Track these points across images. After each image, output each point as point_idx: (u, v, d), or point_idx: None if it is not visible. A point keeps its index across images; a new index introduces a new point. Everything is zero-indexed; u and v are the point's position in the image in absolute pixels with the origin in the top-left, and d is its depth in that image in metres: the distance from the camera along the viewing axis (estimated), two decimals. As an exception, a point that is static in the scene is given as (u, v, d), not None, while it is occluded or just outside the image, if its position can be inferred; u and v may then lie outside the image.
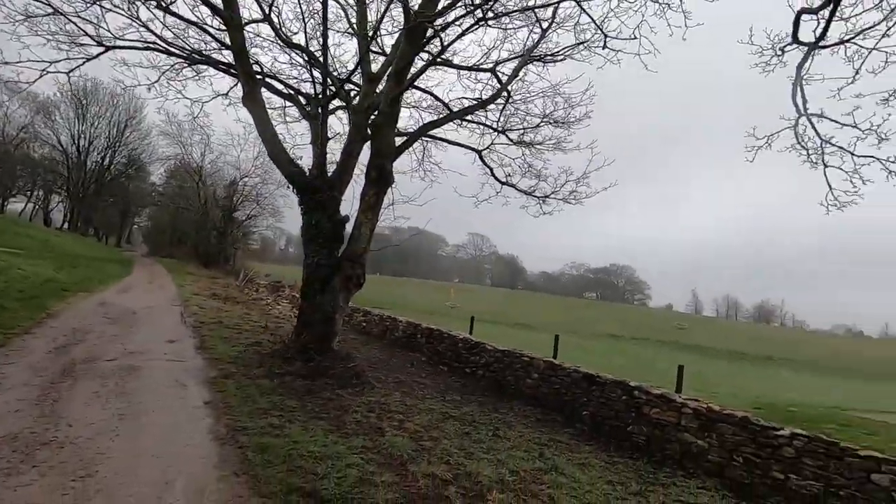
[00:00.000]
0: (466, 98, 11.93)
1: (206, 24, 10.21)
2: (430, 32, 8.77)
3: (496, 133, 11.74)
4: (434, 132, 11.77)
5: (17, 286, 13.17)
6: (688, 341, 33.04)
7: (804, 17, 6.36)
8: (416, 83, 11.01)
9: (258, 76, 10.50)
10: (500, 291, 74.87)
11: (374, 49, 11.75)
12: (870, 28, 6.31)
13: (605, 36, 8.74)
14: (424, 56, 10.47)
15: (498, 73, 11.06)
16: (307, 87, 11.77)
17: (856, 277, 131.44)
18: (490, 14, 8.31)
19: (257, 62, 11.31)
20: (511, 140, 11.80)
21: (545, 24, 9.91)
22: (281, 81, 11.71)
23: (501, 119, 11.54)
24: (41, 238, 32.91)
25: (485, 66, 11.21)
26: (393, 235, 31.62)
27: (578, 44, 9.89)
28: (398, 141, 10.51)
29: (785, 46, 6.88)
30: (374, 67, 10.84)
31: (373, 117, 10.00)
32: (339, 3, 11.37)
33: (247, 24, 10.19)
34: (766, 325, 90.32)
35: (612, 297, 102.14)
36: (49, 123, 51.99)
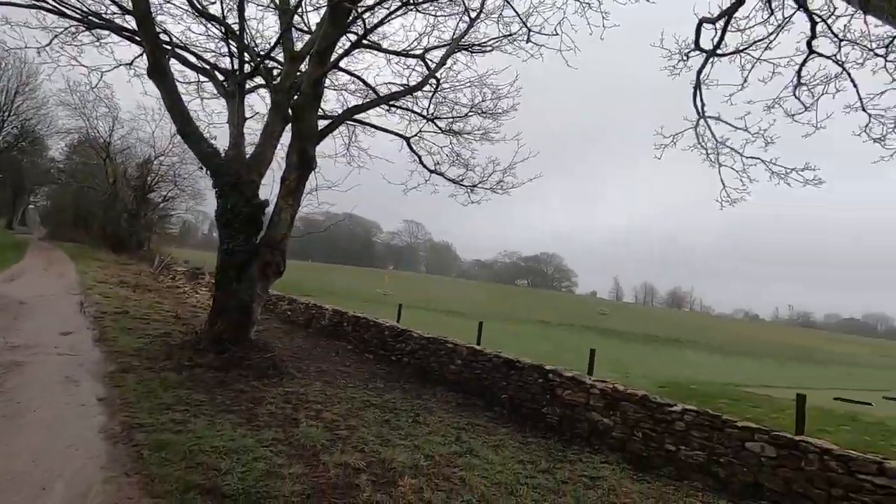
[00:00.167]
0: (395, 84, 11.80)
1: (106, -17, 9.26)
2: (354, 13, 8.50)
3: (425, 121, 11.71)
4: (361, 117, 11.52)
5: None
6: (608, 326, 35.10)
7: (705, 25, 6.89)
8: (342, 65, 10.70)
9: (167, 46, 9.69)
10: (434, 278, 75.35)
11: (301, 27, 11.24)
12: (761, 40, 7.03)
13: (529, 30, 9.00)
14: (352, 38, 10.16)
15: (427, 60, 11.00)
16: (225, 63, 11.07)
17: (746, 273, 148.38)
18: (417, -2, 8.21)
19: (166, 31, 10.45)
20: (440, 128, 11.83)
21: (473, 14, 9.96)
22: (194, 54, 10.92)
23: (431, 107, 11.55)
24: None
25: (414, 52, 11.10)
26: (326, 221, 30.69)
27: (505, 36, 10.09)
28: (322, 124, 10.17)
29: (689, 52, 7.46)
30: (299, 46, 10.38)
31: (295, 98, 9.58)
32: (259, -28, 10.75)
33: (153, -14, 9.33)
34: (677, 310, 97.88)
35: (542, 284, 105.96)
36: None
